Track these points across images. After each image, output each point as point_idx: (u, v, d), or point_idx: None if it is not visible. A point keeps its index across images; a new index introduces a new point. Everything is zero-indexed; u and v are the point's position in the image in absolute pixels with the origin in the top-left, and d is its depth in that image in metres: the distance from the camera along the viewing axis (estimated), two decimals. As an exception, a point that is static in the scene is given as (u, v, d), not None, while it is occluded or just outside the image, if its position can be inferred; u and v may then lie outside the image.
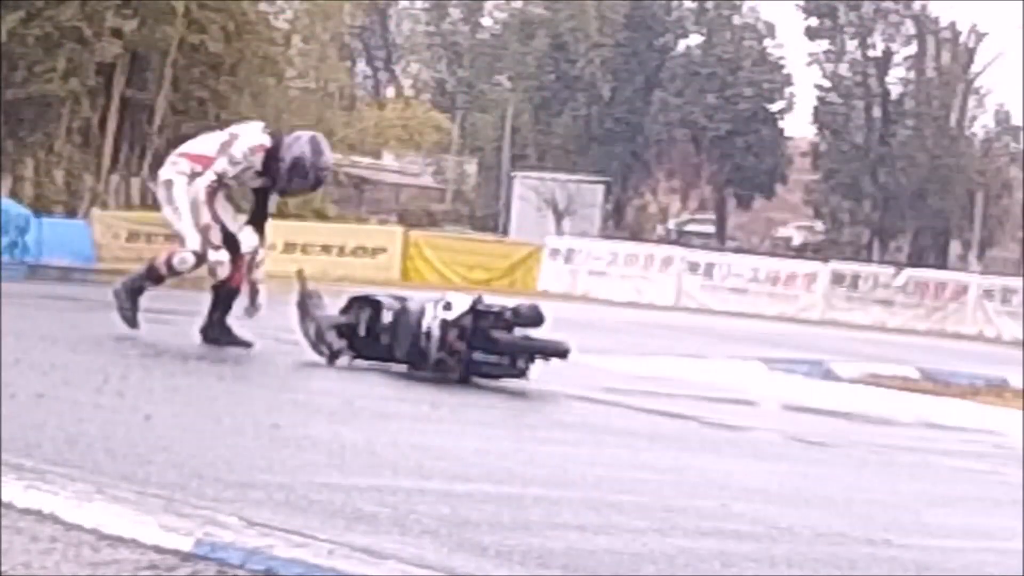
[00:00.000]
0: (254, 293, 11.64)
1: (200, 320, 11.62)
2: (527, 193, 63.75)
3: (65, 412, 7.04)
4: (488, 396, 10.20)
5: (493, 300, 11.14)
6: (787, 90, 76.24)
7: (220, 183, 11.43)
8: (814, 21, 73.86)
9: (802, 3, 73.80)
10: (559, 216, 62.76)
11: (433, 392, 9.97)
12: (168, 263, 11.55)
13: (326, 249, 33.75)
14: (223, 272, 11.42)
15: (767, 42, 76.37)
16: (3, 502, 4.66)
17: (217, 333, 11.46)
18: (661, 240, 60.81)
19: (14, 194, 32.59)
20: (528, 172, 66.38)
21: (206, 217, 11.35)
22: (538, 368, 10.70)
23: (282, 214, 36.92)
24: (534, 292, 31.83)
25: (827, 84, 74.29)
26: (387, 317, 10.95)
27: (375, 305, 11.10)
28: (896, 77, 74.71)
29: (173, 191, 11.48)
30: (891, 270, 37.30)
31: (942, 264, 63.82)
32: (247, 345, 11.33)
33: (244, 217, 11.78)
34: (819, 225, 75.36)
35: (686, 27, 76.73)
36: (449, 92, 77.47)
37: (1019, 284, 34.71)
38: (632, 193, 75.60)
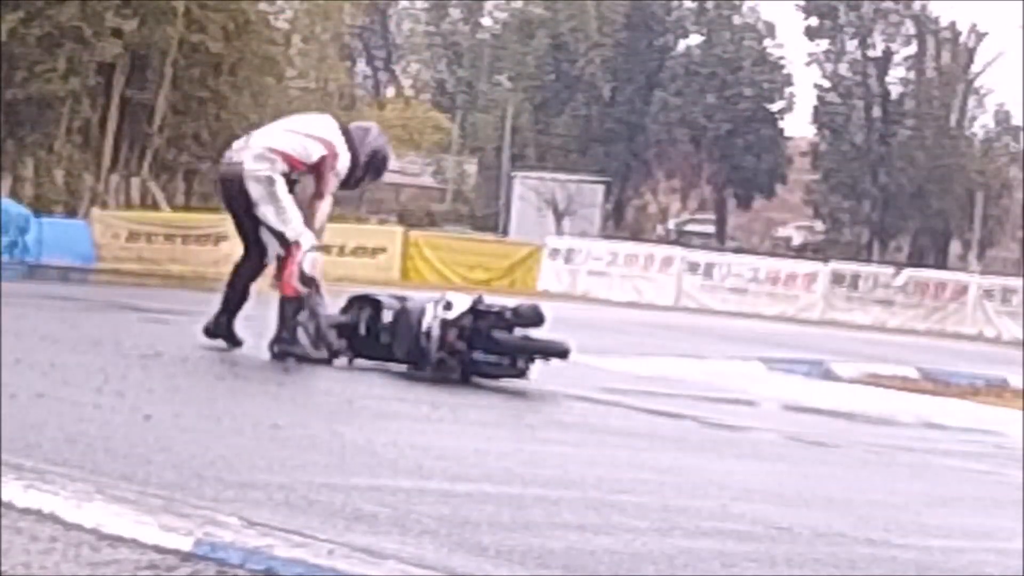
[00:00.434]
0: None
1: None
2: (527, 193, 63.76)
3: (65, 412, 7.04)
4: (488, 396, 10.20)
5: (493, 300, 11.14)
6: (787, 90, 76.26)
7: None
8: (814, 21, 73.86)
9: (802, 3, 73.80)
10: (559, 216, 62.76)
11: (433, 392, 9.97)
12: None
13: (326, 249, 33.69)
14: (319, 272, 11.07)
15: (767, 42, 76.38)
16: (3, 502, 4.66)
17: (289, 345, 10.85)
18: (661, 240, 60.80)
19: (14, 194, 32.58)
20: (528, 172, 66.38)
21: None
22: (538, 368, 10.71)
23: (282, 214, 37.01)
24: (534, 292, 31.84)
25: (827, 84, 74.28)
26: (387, 316, 10.95)
27: (375, 305, 11.09)
28: (896, 77, 74.74)
29: (277, 189, 10.97)
30: (891, 270, 37.30)
31: (942, 264, 63.84)
32: (327, 360, 10.80)
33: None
34: (819, 225, 75.36)
35: (686, 27, 76.72)
36: (449, 92, 77.47)
37: (1019, 284, 34.70)
38: (632, 193, 75.60)
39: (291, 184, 11.09)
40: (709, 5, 76.07)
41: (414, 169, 68.65)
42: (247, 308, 11.46)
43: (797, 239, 75.83)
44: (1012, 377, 17.07)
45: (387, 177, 13.64)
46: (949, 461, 9.92)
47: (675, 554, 5.27)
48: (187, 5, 35.62)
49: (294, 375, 10.34)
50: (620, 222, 71.48)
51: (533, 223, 58.83)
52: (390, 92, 77.65)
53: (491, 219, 65.34)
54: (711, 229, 75.02)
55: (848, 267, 37.84)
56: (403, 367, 10.81)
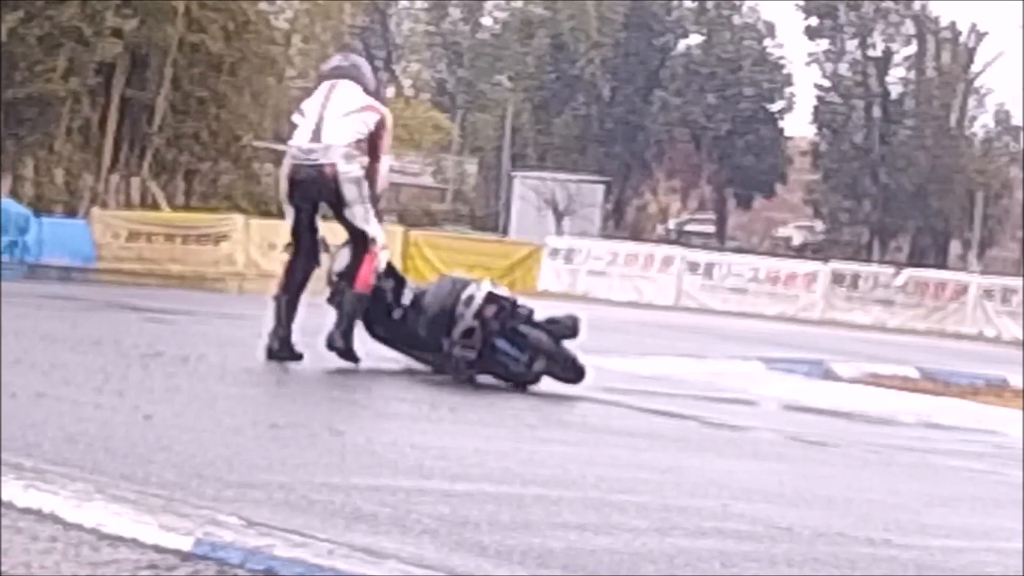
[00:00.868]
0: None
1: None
2: (527, 193, 63.77)
3: (65, 412, 7.04)
4: (488, 396, 10.19)
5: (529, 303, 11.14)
6: (787, 90, 76.26)
7: None
8: (814, 21, 73.85)
9: (802, 3, 73.79)
10: (559, 216, 62.78)
11: (433, 392, 9.97)
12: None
13: (326, 249, 33.69)
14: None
15: (767, 42, 76.37)
16: (3, 502, 4.66)
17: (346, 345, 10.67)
18: (661, 240, 60.77)
19: (14, 194, 32.58)
20: (528, 172, 66.39)
21: None
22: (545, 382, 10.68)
23: (282, 214, 37.03)
24: (534, 292, 31.83)
25: (827, 84, 74.28)
26: (408, 296, 10.92)
27: (400, 279, 11.09)
28: (896, 77, 74.73)
29: (365, 189, 10.90)
30: (891, 270, 37.29)
31: (942, 264, 63.81)
32: (356, 360, 10.69)
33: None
34: (819, 225, 75.35)
35: (686, 27, 76.71)
36: (449, 92, 77.49)
37: (1019, 284, 34.69)
38: (632, 193, 75.60)
39: None
40: (709, 5, 76.07)
41: (414, 169, 68.63)
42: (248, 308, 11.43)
43: (797, 239, 75.82)
44: (1012, 377, 17.05)
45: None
46: (949, 461, 9.92)
47: (675, 554, 5.27)
48: (187, 5, 35.62)
49: (294, 375, 10.33)
50: (620, 222, 71.48)
51: (533, 223, 58.85)
52: (390, 92, 77.61)
53: (491, 219, 65.34)
54: (711, 229, 75.02)
55: (848, 267, 37.84)
56: (400, 367, 10.78)
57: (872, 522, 6.53)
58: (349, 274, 10.94)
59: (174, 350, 10.90)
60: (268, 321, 10.81)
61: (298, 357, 10.64)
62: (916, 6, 73.70)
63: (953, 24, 73.85)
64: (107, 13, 34.37)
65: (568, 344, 10.80)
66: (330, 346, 10.61)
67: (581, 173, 67.41)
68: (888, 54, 74.25)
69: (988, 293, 34.30)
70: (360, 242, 11.00)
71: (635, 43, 73.66)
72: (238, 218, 31.46)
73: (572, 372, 10.70)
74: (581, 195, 64.37)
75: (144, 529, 4.46)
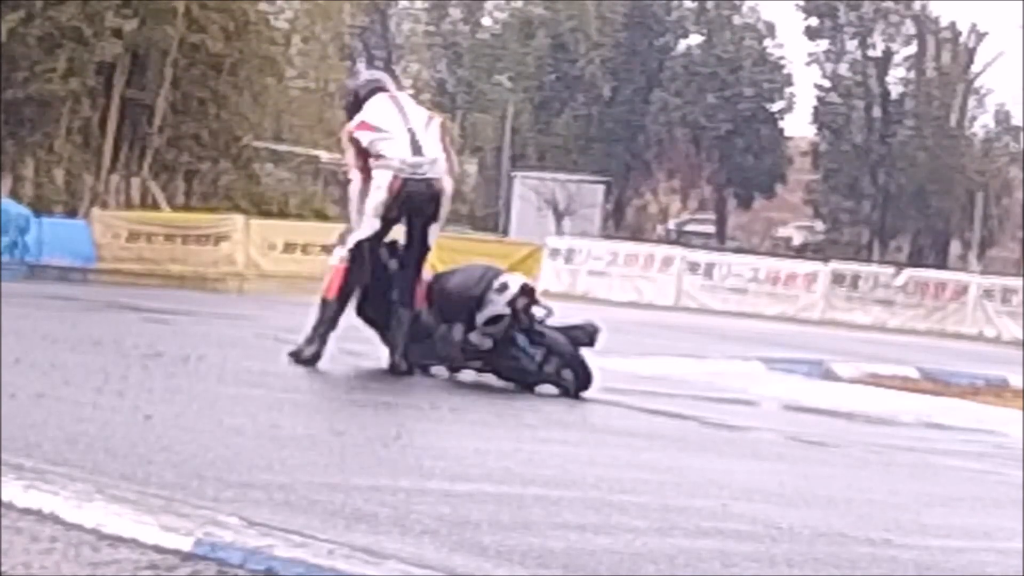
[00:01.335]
0: None
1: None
2: (527, 193, 63.77)
3: (65, 412, 7.04)
4: (488, 396, 10.19)
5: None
6: (787, 90, 76.27)
7: None
8: (814, 21, 73.87)
9: (802, 3, 73.80)
10: (559, 216, 62.78)
11: (433, 392, 9.97)
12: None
13: (326, 249, 33.65)
14: None
15: (767, 42, 76.38)
16: (3, 502, 4.66)
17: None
18: (661, 240, 60.78)
19: (14, 194, 32.55)
20: (528, 172, 66.39)
21: None
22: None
23: (282, 214, 37.02)
24: (534, 292, 31.74)
25: (827, 84, 74.29)
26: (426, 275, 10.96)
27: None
28: (896, 77, 74.75)
29: None
30: (891, 270, 37.27)
31: (942, 264, 63.82)
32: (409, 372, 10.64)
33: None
34: (819, 225, 75.36)
35: (686, 27, 76.73)
36: (449, 92, 77.45)
37: (1019, 284, 34.67)
38: (632, 193, 75.60)
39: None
40: (709, 5, 76.08)
41: (414, 169, 68.52)
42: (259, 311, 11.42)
43: (797, 239, 75.84)
44: (1012, 377, 17.05)
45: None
46: (949, 461, 9.92)
47: (675, 554, 5.27)
48: (187, 5, 35.59)
49: (293, 375, 10.32)
50: (620, 222, 71.48)
51: (533, 223, 58.85)
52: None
53: (491, 219, 65.33)
54: (711, 229, 75.02)
55: (848, 267, 37.81)
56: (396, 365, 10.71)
57: (872, 522, 6.53)
58: (404, 294, 10.76)
59: (174, 350, 10.90)
60: (307, 325, 10.57)
61: (317, 359, 10.54)
62: (916, 6, 73.72)
63: (953, 24, 73.91)
64: (107, 13, 34.33)
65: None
66: (395, 371, 10.48)
67: (581, 173, 67.41)
68: (888, 54, 74.26)
69: (988, 293, 34.28)
70: (422, 258, 10.93)
71: (635, 43, 73.66)
72: (238, 218, 31.45)
73: (581, 380, 10.61)
74: (581, 195, 64.38)
75: (144, 529, 4.46)
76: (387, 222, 10.72)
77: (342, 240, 11.02)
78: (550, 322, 10.81)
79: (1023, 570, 5.76)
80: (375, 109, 10.85)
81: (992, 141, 75.73)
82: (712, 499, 6.63)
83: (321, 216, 35.80)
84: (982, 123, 76.08)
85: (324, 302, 10.64)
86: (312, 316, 10.56)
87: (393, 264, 10.85)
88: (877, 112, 73.51)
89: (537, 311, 10.74)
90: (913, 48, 74.15)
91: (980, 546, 6.40)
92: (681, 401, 11.64)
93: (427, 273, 11.04)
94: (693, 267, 36.27)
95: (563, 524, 5.57)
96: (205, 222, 31.16)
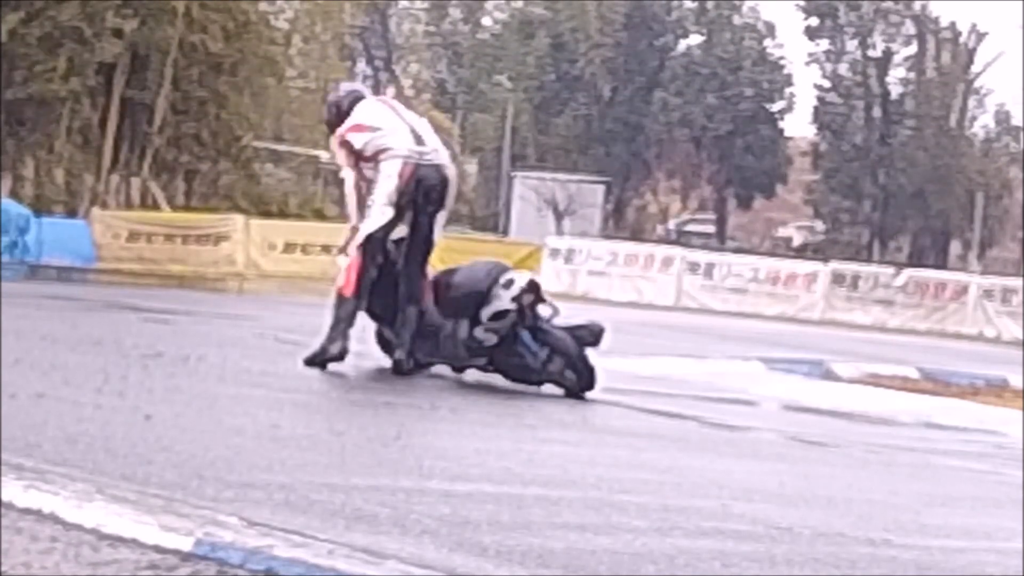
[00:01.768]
0: None
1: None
2: (527, 193, 63.80)
3: (65, 412, 7.04)
4: (488, 396, 10.19)
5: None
6: (787, 90, 76.32)
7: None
8: (814, 21, 73.90)
9: (802, 3, 73.83)
10: (559, 216, 62.80)
11: (433, 392, 9.97)
12: None
13: (326, 249, 33.72)
14: None
15: (767, 42, 76.42)
16: (3, 502, 4.66)
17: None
18: (661, 240, 60.81)
19: (14, 194, 32.55)
20: (528, 172, 66.41)
21: None
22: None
23: (282, 214, 37.01)
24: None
25: (827, 84, 74.33)
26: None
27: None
28: (896, 77, 74.79)
29: None
30: (891, 270, 37.28)
31: (942, 264, 63.86)
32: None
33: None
34: (819, 225, 75.39)
35: (686, 27, 76.76)
36: (449, 92, 77.51)
37: (1019, 284, 34.68)
38: (632, 193, 75.62)
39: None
40: (709, 5, 76.10)
41: (414, 169, 68.56)
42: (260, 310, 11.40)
43: (797, 239, 75.87)
44: (1012, 377, 17.05)
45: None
46: (949, 461, 9.92)
47: (675, 554, 5.27)
48: (187, 5, 35.60)
49: (294, 375, 10.32)
50: (620, 222, 71.49)
51: (533, 223, 58.87)
52: (390, 92, 77.55)
53: (491, 219, 65.35)
54: (711, 229, 75.05)
55: (848, 267, 37.82)
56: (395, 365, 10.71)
57: (872, 522, 6.53)
58: (411, 290, 10.70)
59: (174, 350, 10.90)
60: (325, 325, 10.44)
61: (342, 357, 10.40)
62: (916, 6, 73.76)
63: (953, 24, 73.96)
64: (107, 13, 34.34)
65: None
66: (399, 370, 10.43)
67: (581, 173, 67.43)
68: (888, 54, 74.28)
69: (988, 293, 34.29)
70: (428, 253, 10.85)
71: (635, 43, 73.69)
72: (238, 218, 31.46)
73: (585, 380, 10.59)
74: (581, 195, 64.40)
75: (144, 529, 4.46)
76: (399, 210, 10.61)
77: (344, 250, 10.93)
78: (555, 322, 10.79)
79: (1023, 570, 5.76)
80: (367, 111, 10.86)
81: (992, 141, 75.76)
82: (712, 499, 6.63)
83: (321, 216, 35.81)
84: (982, 123, 76.23)
85: (341, 299, 10.53)
86: (329, 315, 10.48)
87: (400, 260, 10.83)
88: (877, 112, 73.54)
89: (543, 310, 10.73)
90: (913, 48, 74.19)
91: (980, 546, 6.40)
92: (681, 401, 11.63)
93: (430, 271, 11.03)
94: (693, 267, 36.28)
95: (563, 524, 5.57)
96: (205, 222, 31.17)
